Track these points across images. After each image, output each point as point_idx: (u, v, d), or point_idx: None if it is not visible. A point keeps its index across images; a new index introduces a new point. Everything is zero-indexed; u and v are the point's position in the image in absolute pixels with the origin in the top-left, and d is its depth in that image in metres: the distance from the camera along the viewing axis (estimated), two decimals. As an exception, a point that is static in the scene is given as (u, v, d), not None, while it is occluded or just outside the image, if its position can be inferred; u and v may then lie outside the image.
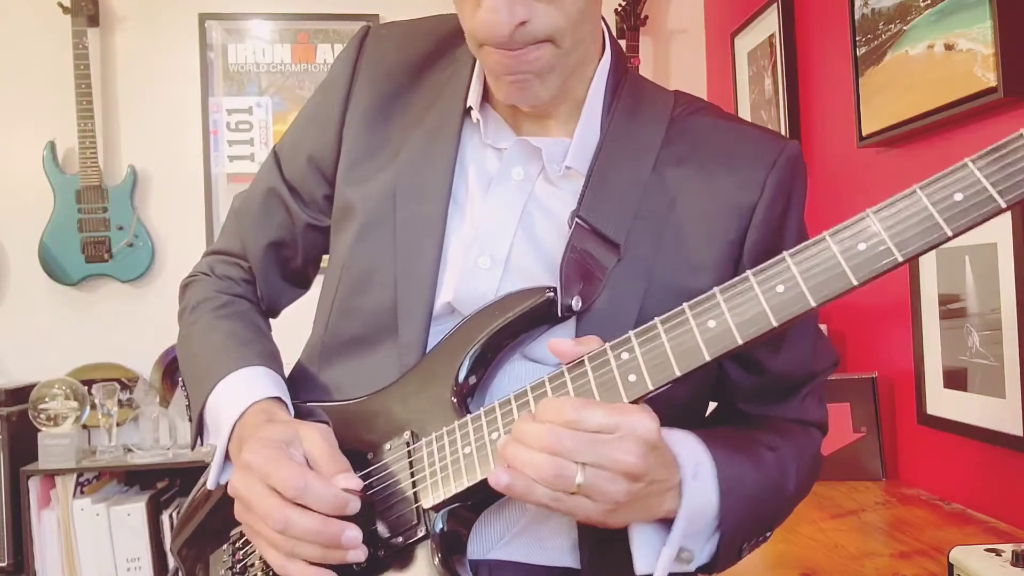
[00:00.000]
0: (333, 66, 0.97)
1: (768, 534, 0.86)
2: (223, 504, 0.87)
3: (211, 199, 3.03)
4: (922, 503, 1.60)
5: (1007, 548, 1.01)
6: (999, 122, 1.49)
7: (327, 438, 0.78)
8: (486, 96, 0.90)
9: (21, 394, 2.78)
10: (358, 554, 0.74)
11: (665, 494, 0.74)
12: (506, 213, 0.86)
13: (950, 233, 0.62)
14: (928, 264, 1.65)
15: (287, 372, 0.95)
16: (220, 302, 0.97)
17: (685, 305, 0.70)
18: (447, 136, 0.89)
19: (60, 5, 2.87)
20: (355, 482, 0.76)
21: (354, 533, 0.73)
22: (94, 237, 2.92)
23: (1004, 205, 0.60)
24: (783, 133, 2.33)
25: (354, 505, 0.75)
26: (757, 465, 0.82)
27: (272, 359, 0.92)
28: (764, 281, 0.67)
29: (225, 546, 0.89)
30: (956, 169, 0.62)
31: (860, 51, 1.84)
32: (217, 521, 0.91)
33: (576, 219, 0.83)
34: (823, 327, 1.96)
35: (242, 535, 0.88)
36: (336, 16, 3.09)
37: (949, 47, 1.54)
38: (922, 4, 1.62)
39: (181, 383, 0.98)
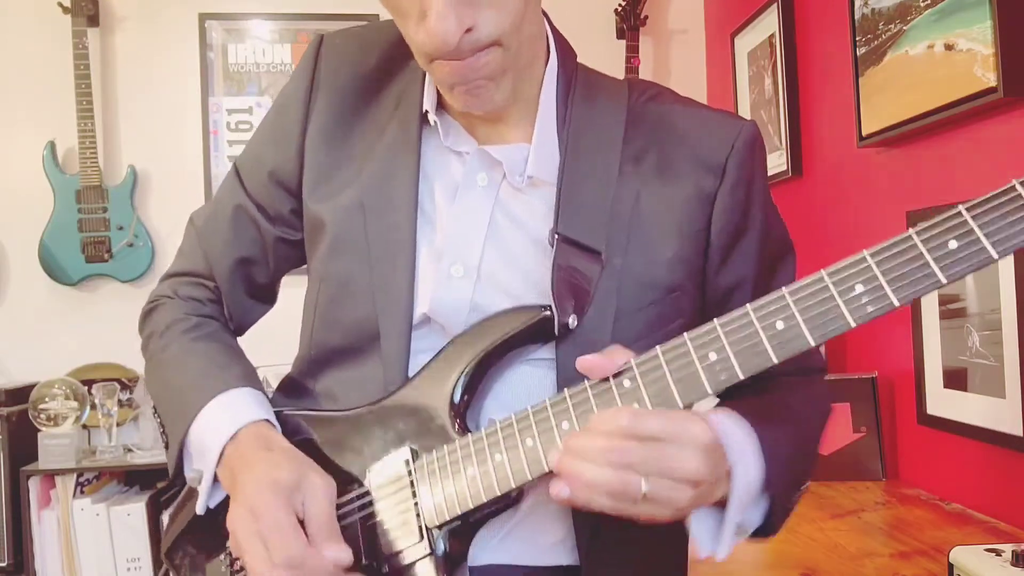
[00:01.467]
0: (290, 81, 0.95)
1: (807, 483, 0.88)
2: (216, 515, 0.87)
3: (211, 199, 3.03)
4: (922, 503, 1.60)
5: (1007, 548, 1.01)
6: (999, 122, 1.49)
7: (330, 497, 0.78)
8: (441, 101, 0.89)
9: (21, 394, 2.78)
10: None
11: (718, 484, 0.74)
12: (474, 220, 0.86)
13: (944, 281, 0.63)
14: (928, 264, 1.64)
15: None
16: (191, 323, 0.95)
17: (685, 336, 0.71)
18: (408, 145, 0.88)
19: (60, 5, 2.87)
20: (347, 556, 0.76)
21: None
22: (94, 237, 2.91)
23: (996, 256, 0.61)
24: (783, 133, 2.34)
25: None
26: (787, 424, 0.83)
27: (253, 379, 0.91)
28: (764, 317, 0.68)
29: (222, 556, 0.89)
30: (951, 216, 0.63)
31: (860, 51, 1.84)
32: (211, 530, 0.90)
33: (556, 236, 0.82)
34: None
35: None
36: (336, 16, 3.09)
37: (949, 47, 1.54)
38: (922, 4, 1.62)
39: (153, 411, 0.95)
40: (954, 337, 1.58)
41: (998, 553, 1.01)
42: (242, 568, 0.85)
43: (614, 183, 0.85)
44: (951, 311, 1.59)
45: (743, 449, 0.76)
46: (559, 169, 0.85)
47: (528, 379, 0.84)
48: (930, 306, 1.65)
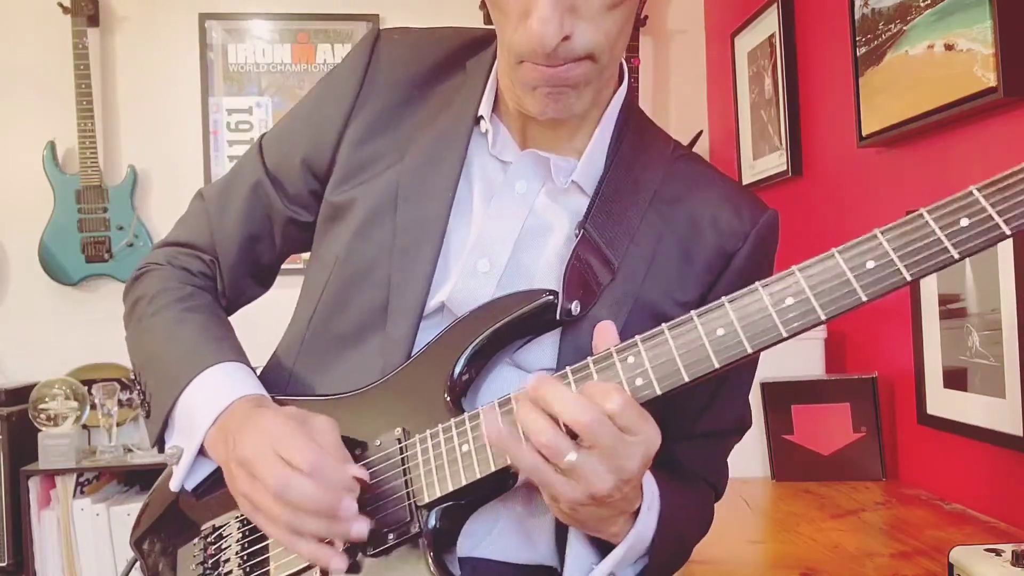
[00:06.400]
0: (341, 68, 0.95)
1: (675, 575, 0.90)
2: (192, 499, 0.87)
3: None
4: (922, 503, 1.60)
5: (1007, 548, 1.01)
6: (999, 122, 1.49)
7: (336, 432, 0.79)
8: (495, 107, 0.91)
9: (21, 394, 2.78)
10: (361, 527, 0.74)
11: (621, 515, 0.75)
12: (507, 226, 0.87)
13: (957, 256, 0.64)
14: (928, 264, 1.64)
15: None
16: (185, 292, 0.94)
17: (693, 313, 0.71)
18: (456, 142, 0.89)
19: (60, 5, 2.87)
20: (363, 472, 0.77)
21: (350, 503, 0.73)
22: (94, 237, 2.92)
23: (1009, 232, 0.63)
24: (783, 133, 2.34)
25: (357, 491, 0.75)
26: (686, 510, 0.86)
27: (243, 356, 0.90)
28: (774, 293, 0.68)
29: (196, 540, 0.88)
30: (962, 196, 0.65)
31: (860, 51, 1.84)
32: (186, 516, 0.89)
33: (583, 229, 0.85)
34: (824, 327, 1.96)
35: (214, 529, 0.87)
36: (336, 16, 3.09)
37: (949, 47, 1.54)
38: (922, 4, 1.62)
39: (134, 378, 0.93)
40: (954, 337, 1.58)
41: (998, 553, 1.01)
42: (218, 553, 0.86)
43: (640, 217, 0.88)
44: (951, 311, 1.59)
45: (653, 501, 0.78)
46: (600, 178, 0.88)
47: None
48: (930, 306, 1.65)
